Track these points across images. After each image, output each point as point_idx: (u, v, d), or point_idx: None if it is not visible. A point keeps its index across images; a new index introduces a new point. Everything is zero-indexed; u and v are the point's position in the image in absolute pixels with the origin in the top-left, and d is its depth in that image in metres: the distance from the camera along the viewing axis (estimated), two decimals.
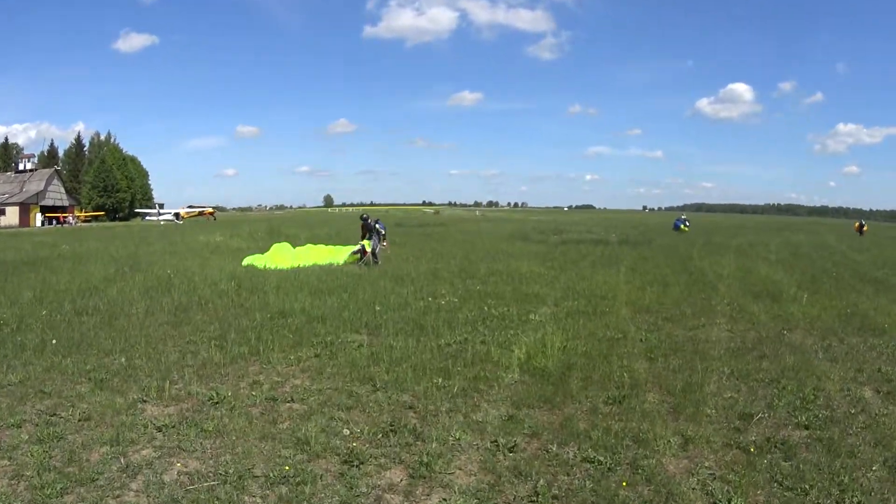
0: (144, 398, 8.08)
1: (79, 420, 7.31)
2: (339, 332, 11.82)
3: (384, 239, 24.01)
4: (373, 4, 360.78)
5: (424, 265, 23.55)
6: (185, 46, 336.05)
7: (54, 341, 10.94)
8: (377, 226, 23.60)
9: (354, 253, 23.89)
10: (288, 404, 7.94)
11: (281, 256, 23.82)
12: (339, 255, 24.30)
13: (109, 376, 8.99)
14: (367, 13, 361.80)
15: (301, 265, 22.71)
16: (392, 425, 7.15)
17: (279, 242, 27.34)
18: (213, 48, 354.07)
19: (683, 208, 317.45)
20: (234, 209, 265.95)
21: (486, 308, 14.46)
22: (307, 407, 7.82)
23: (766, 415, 7.68)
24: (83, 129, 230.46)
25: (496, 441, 6.74)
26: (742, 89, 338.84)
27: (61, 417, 7.42)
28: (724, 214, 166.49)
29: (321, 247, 26.75)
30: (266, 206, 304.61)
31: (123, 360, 9.87)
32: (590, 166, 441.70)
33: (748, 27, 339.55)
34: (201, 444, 6.69)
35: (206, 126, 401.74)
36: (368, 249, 23.31)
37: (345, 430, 6.94)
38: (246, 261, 23.86)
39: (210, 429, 7.01)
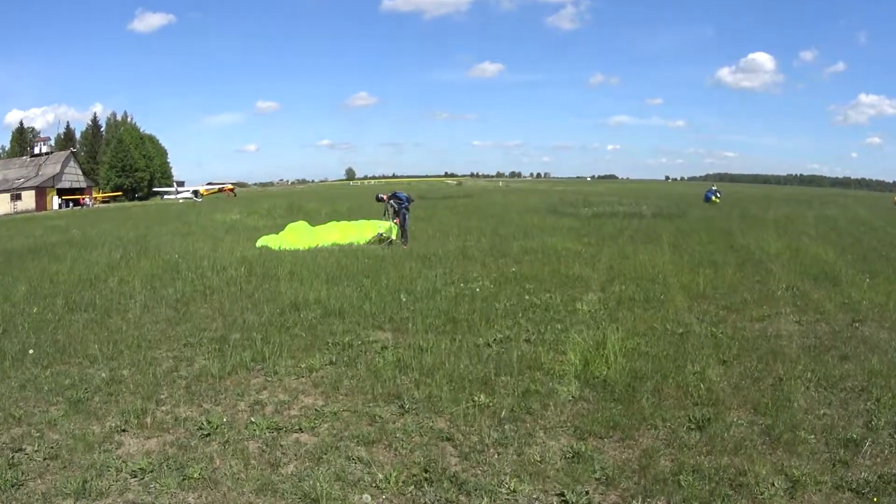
0: (124, 426, 6.77)
1: (44, 459, 6.06)
2: (359, 330, 10.42)
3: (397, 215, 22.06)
4: None
5: (452, 243, 22.11)
6: (202, 24, 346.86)
7: (31, 351, 9.59)
8: (397, 197, 22.13)
9: (379, 237, 22.32)
10: (295, 435, 6.54)
11: (297, 236, 22.51)
12: (360, 232, 22.87)
13: (88, 395, 7.71)
14: None
15: (319, 245, 21.42)
16: (427, 470, 5.69)
17: (295, 221, 25.94)
18: (230, 25, 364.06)
19: (706, 178, 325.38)
20: (255, 185, 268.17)
21: (525, 295, 13.00)
22: (318, 440, 6.40)
23: (870, 439, 6.25)
24: (101, 110, 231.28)
25: (563, 496, 5.27)
26: (763, 59, 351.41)
27: (26, 454, 6.19)
28: (747, 185, 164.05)
29: (342, 223, 25.30)
30: (288, 181, 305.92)
31: (107, 372, 8.56)
32: (612, 136, 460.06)
33: None
34: (183, 498, 5.32)
35: (226, 103, 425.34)
36: (394, 236, 21.77)
37: (365, 497, 5.36)
38: (260, 242, 22.60)
39: (195, 475, 5.63)
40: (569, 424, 6.69)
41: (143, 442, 6.44)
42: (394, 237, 21.60)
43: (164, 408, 7.31)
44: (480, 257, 18.31)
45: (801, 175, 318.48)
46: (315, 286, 13.73)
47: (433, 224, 29.35)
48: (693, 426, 6.60)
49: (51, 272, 17.49)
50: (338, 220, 26.86)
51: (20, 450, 6.30)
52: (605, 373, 8.02)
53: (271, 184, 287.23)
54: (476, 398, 7.26)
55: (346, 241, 22.03)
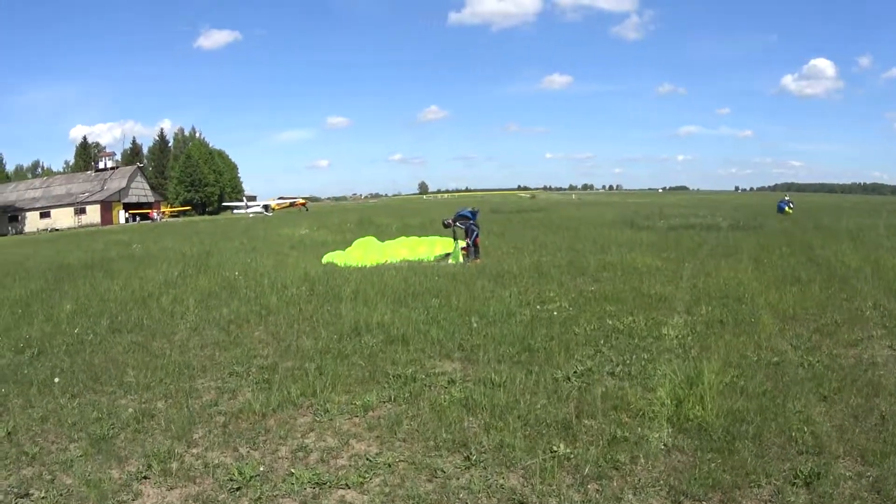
0: (146, 472, 6.09)
1: None
2: (424, 359, 9.55)
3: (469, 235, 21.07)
4: None
5: (527, 258, 21.08)
6: (269, 41, 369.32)
7: (57, 379, 9.03)
8: (462, 216, 21.23)
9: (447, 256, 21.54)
10: (340, 492, 5.67)
11: (365, 252, 21.90)
12: (430, 248, 22.12)
13: (115, 431, 7.11)
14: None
15: (387, 261, 20.78)
16: None
17: (363, 237, 25.31)
18: (298, 42, 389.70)
19: (774, 188, 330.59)
20: (328, 199, 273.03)
21: (607, 319, 11.93)
22: (367, 500, 5.54)
23: None
24: (168, 126, 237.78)
25: None
26: (824, 65, 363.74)
27: (31, 501, 5.63)
28: (813, 194, 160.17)
29: (411, 239, 24.56)
30: (361, 195, 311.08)
31: (139, 404, 8.00)
32: (681, 147, 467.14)
33: None
34: None
35: (297, 119, 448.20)
36: (460, 259, 20.87)
37: None
38: (326, 258, 22.11)
39: None
40: (662, 483, 5.68)
41: (164, 493, 5.74)
42: (460, 259, 20.71)
43: (194, 450, 6.60)
44: (557, 275, 17.30)
45: (863, 183, 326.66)
46: (379, 308, 12.98)
47: (507, 239, 28.39)
48: (799, 482, 5.59)
49: (102, 289, 17.41)
50: (407, 236, 26.19)
51: (26, 495, 5.77)
52: (700, 415, 6.96)
53: (344, 198, 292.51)
54: (555, 447, 6.27)
55: (416, 258, 21.34)
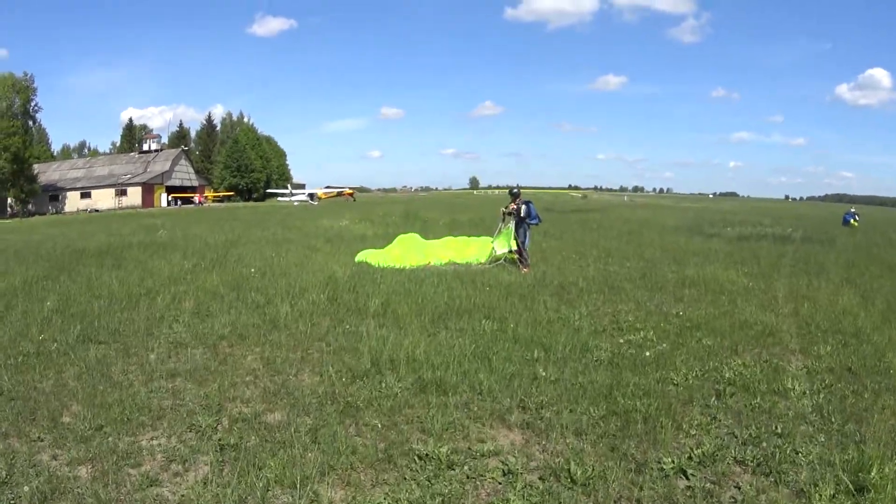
0: None
1: None
2: (468, 423, 6.82)
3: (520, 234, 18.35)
4: None
5: (592, 267, 18.54)
6: (324, 30, 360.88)
7: None
8: (523, 208, 18.17)
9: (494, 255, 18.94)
10: None
11: (405, 251, 19.36)
12: (481, 251, 19.45)
13: None
14: None
15: (430, 263, 18.31)
16: None
17: (405, 234, 22.58)
18: (353, 31, 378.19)
19: (824, 198, 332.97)
20: (378, 190, 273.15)
21: (709, 360, 9.28)
22: None
23: None
24: (220, 111, 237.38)
25: None
26: (881, 75, 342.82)
27: None
28: (866, 206, 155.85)
29: (460, 239, 21.90)
30: (411, 188, 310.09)
31: (54, 469, 5.73)
32: (733, 153, 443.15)
33: (883, 8, 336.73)
34: None
35: (350, 108, 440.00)
36: (502, 249, 18.56)
37: None
38: (360, 255, 19.53)
39: None
40: None
41: None
42: (507, 248, 18.51)
43: None
44: (631, 291, 14.74)
45: None
46: (412, 331, 10.35)
47: (566, 242, 25.64)
48: None
49: (98, 283, 15.41)
50: (455, 235, 23.52)
51: None
52: None
53: (394, 190, 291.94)
54: None
55: (464, 261, 18.79)
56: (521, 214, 17.89)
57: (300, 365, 8.79)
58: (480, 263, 18.44)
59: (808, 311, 12.97)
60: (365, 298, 12.80)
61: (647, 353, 9.51)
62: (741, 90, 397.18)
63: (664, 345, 9.97)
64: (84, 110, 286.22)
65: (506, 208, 18.66)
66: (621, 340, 10.28)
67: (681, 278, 16.57)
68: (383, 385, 7.82)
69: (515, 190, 18.80)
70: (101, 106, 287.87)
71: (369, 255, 19.20)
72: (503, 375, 8.18)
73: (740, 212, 75.00)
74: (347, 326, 10.79)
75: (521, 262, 17.77)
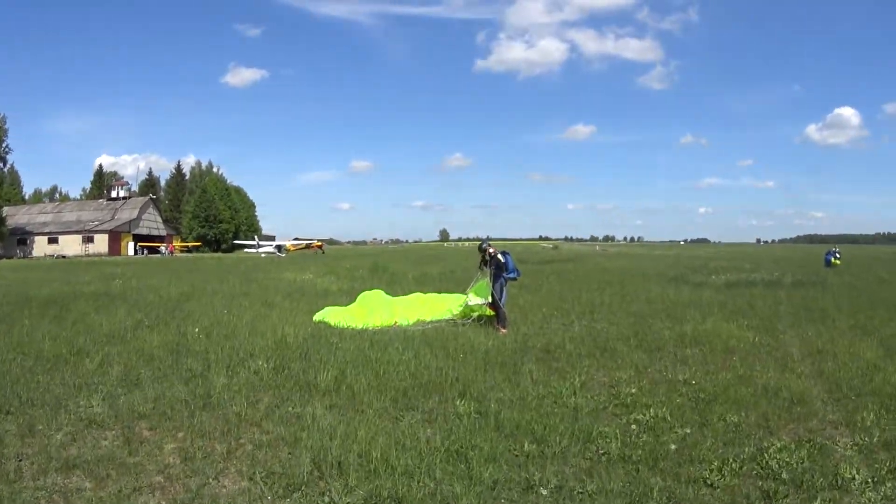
0: None
1: None
2: None
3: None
4: (483, 38, 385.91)
5: (577, 324, 16.85)
6: (296, 81, 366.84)
7: None
8: (500, 258, 16.32)
9: (471, 305, 16.98)
10: None
11: (369, 309, 17.37)
12: (453, 308, 17.61)
13: None
14: (478, 47, 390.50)
15: (397, 324, 16.42)
16: None
17: (369, 290, 20.37)
18: (324, 83, 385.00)
19: (796, 240, 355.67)
20: (348, 243, 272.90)
21: (744, 446, 7.49)
22: None
23: None
24: (192, 160, 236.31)
25: None
26: (849, 113, 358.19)
27: None
28: (841, 245, 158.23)
29: (429, 296, 19.97)
30: (381, 240, 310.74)
31: None
32: (702, 198, 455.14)
33: (850, 47, 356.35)
34: None
35: (320, 161, 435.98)
36: (477, 300, 16.63)
37: None
38: (319, 315, 17.54)
39: None
40: None
41: None
42: (483, 299, 16.54)
43: None
44: (626, 353, 12.99)
45: (889, 233, 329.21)
46: (369, 416, 8.41)
47: (545, 296, 23.75)
48: None
49: (31, 338, 14.00)
50: (423, 291, 21.64)
51: None
52: None
53: (364, 242, 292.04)
54: None
55: (434, 319, 16.93)
56: (499, 261, 16.09)
57: (225, 463, 6.82)
58: (453, 317, 16.74)
59: (831, 370, 11.47)
60: (317, 369, 10.82)
61: (654, 428, 7.85)
62: (710, 135, 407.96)
63: (686, 429, 8.09)
64: (58, 156, 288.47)
65: (482, 259, 16.88)
66: (629, 422, 8.40)
67: (678, 335, 14.89)
68: (326, 501, 5.90)
69: (485, 245, 16.94)
70: (76, 152, 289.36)
71: (329, 314, 17.24)
72: (486, 485, 6.21)
73: (717, 258, 74.56)
74: (291, 408, 8.83)
75: (498, 321, 15.90)
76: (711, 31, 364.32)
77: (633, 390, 9.97)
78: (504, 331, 15.41)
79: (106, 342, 13.57)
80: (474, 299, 16.63)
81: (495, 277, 16.12)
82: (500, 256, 16.15)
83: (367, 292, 19.40)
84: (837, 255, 51.48)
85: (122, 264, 59.72)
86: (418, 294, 20.13)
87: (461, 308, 17.01)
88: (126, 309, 19.29)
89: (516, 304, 19.23)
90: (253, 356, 11.92)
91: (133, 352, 12.54)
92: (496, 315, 16.07)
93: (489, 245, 16.64)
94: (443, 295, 19.77)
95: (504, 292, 16.25)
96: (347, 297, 20.79)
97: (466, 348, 12.81)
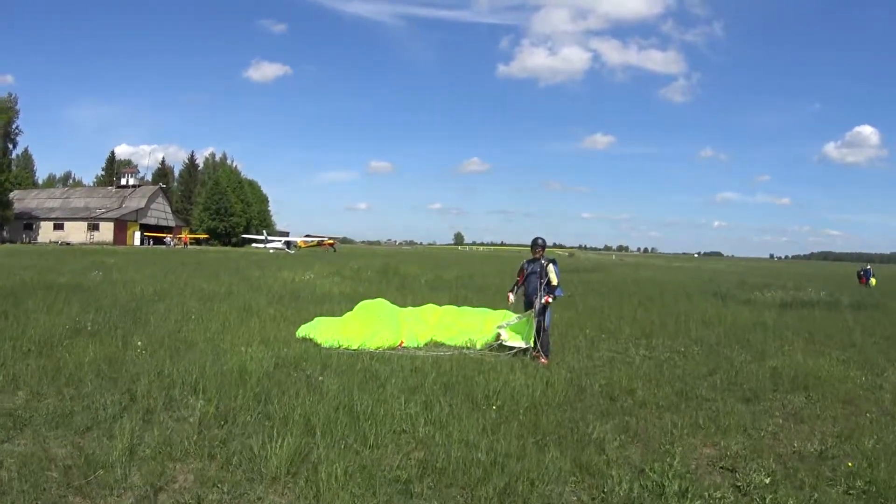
0: None
1: None
2: None
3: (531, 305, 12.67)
4: (506, 43, 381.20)
5: (635, 353, 13.37)
6: (318, 78, 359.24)
7: None
8: (552, 269, 12.55)
9: (498, 338, 13.14)
10: None
11: (367, 324, 13.65)
12: (478, 327, 14.01)
13: None
14: (501, 52, 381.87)
15: (402, 345, 12.87)
16: None
17: (371, 300, 16.04)
18: (347, 81, 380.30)
19: (810, 257, 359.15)
20: (362, 242, 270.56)
21: None
22: None
23: None
24: (210, 152, 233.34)
25: None
26: (868, 132, 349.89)
27: None
28: (853, 264, 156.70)
29: (446, 309, 15.93)
30: (396, 241, 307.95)
31: None
32: (718, 212, 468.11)
33: (873, 64, 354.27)
34: None
35: (340, 160, 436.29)
36: (516, 342, 12.69)
37: None
38: (305, 329, 13.70)
39: None
40: None
41: None
42: (525, 342, 12.53)
43: None
44: (716, 400, 9.57)
45: None
46: None
47: (583, 312, 19.93)
48: None
49: None
50: (438, 300, 17.91)
51: None
52: None
53: (378, 243, 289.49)
54: None
55: (450, 340, 13.38)
56: (552, 282, 12.37)
57: None
58: (476, 349, 12.90)
59: None
60: (272, 428, 7.06)
61: None
62: (729, 150, 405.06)
63: None
64: (77, 143, 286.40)
65: (530, 264, 12.93)
66: None
67: (769, 374, 11.47)
68: None
69: (541, 240, 13.01)
70: (95, 140, 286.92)
71: (318, 328, 13.47)
72: None
73: (744, 272, 70.44)
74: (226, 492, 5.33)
75: (539, 350, 12.10)
76: (735, 45, 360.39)
77: (763, 476, 6.40)
78: (544, 360, 11.77)
79: (27, 353, 10.56)
80: (510, 338, 12.85)
81: (536, 293, 12.41)
82: (551, 267, 12.47)
83: (367, 301, 15.52)
84: (872, 275, 46.92)
85: (120, 254, 56.99)
86: (432, 306, 16.11)
87: (485, 337, 13.44)
88: (80, 307, 16.11)
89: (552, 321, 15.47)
90: (194, 393, 8.42)
91: (50, 370, 9.38)
92: (539, 343, 12.21)
93: (543, 245, 12.99)
94: (462, 309, 15.95)
95: (549, 315, 12.55)
96: (349, 304, 17.13)
97: (502, 395, 8.99)
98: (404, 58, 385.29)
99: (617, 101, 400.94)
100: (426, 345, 13.10)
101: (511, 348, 12.48)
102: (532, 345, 12.18)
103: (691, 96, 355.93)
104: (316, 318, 14.64)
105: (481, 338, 13.39)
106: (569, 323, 16.81)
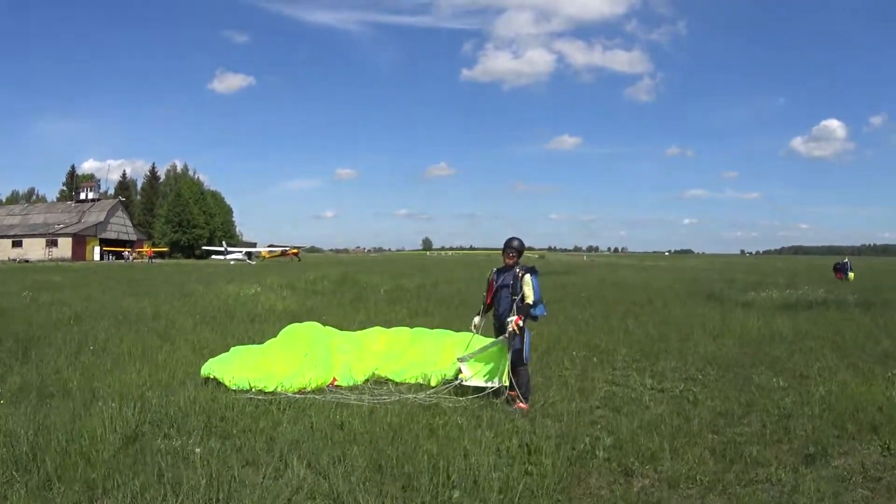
0: None
1: None
2: None
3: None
4: (469, 48, 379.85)
5: (636, 380, 10.53)
6: (282, 88, 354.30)
7: None
8: (529, 280, 9.08)
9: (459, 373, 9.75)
10: None
11: (291, 356, 10.54)
12: (434, 353, 10.93)
13: None
14: (464, 56, 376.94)
15: (334, 384, 9.77)
16: None
17: (299, 323, 12.64)
18: (311, 90, 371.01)
19: (780, 251, 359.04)
20: (330, 250, 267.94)
21: None
22: None
23: None
24: (178, 165, 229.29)
25: None
26: (834, 125, 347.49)
27: None
28: (822, 257, 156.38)
29: (398, 332, 12.54)
30: (364, 249, 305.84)
31: None
32: (687, 210, 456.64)
33: (837, 59, 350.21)
34: None
35: (305, 168, 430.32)
36: (479, 381, 9.43)
37: None
38: (211, 365, 10.05)
39: None
40: None
41: None
42: (494, 380, 9.25)
43: None
44: (766, 462, 6.67)
45: (874, 245, 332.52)
46: None
47: (563, 324, 16.84)
48: None
49: None
50: (395, 317, 14.91)
51: None
52: None
53: (346, 250, 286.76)
54: None
55: (400, 379, 10.23)
56: (526, 299, 8.97)
57: None
58: (430, 388, 9.63)
59: None
60: None
61: None
62: (695, 147, 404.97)
63: None
64: (42, 160, 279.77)
65: (501, 274, 9.41)
66: None
67: (819, 408, 8.53)
68: None
69: (516, 242, 9.41)
70: (61, 156, 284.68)
71: (228, 364, 10.02)
72: None
73: (727, 269, 67.14)
74: None
75: (516, 391, 8.78)
76: (699, 43, 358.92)
77: None
78: (523, 405, 8.61)
79: None
80: (473, 374, 9.59)
81: (508, 314, 8.98)
82: (528, 278, 9.08)
83: (294, 326, 12.15)
84: (850, 269, 44.19)
85: (72, 271, 53.36)
86: (378, 329, 12.72)
87: (443, 370, 10.18)
88: None
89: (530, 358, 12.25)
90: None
91: None
92: (514, 380, 8.91)
93: (519, 249, 9.43)
94: (417, 332, 12.50)
95: (528, 343, 9.15)
96: (300, 317, 14.28)
97: (461, 477, 5.91)
98: (368, 65, 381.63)
99: (583, 102, 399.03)
100: (366, 381, 10.04)
101: (478, 389, 9.28)
102: (504, 384, 9.00)
103: (657, 95, 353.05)
104: (233, 349, 11.17)
105: (437, 371, 10.14)
106: (549, 339, 13.87)
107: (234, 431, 7.22)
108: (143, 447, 6.63)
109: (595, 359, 12.21)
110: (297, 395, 8.94)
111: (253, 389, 9.09)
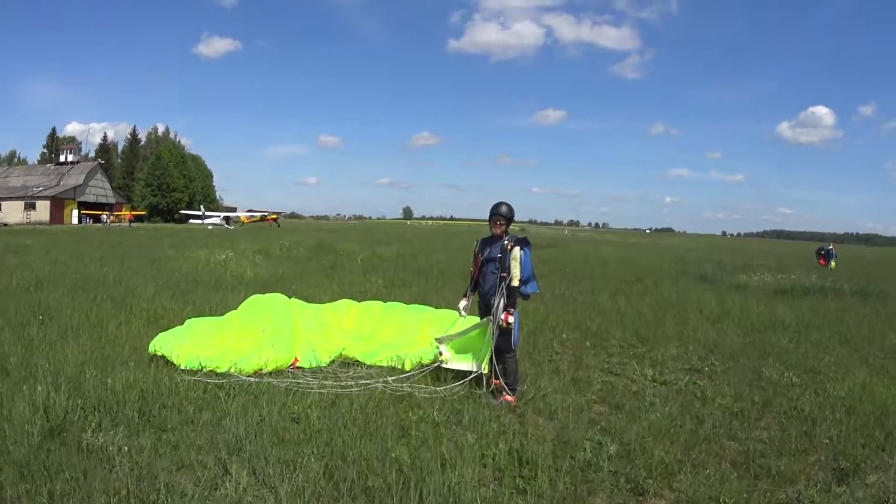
0: None
1: None
2: None
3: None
4: (457, 18, 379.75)
5: (636, 371, 9.49)
6: (268, 53, 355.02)
7: None
8: (518, 253, 7.85)
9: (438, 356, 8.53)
10: None
11: (251, 331, 9.48)
12: (410, 330, 9.95)
13: None
14: (452, 26, 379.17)
15: (296, 364, 8.79)
16: None
17: (263, 294, 11.47)
18: (297, 56, 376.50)
19: (762, 234, 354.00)
20: (311, 217, 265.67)
21: None
22: None
23: None
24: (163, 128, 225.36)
25: None
26: (822, 112, 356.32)
27: None
28: (805, 243, 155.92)
29: (369, 306, 11.47)
30: (345, 216, 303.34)
31: None
32: (670, 188, 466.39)
33: (830, 46, 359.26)
34: None
35: (289, 134, 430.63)
36: (464, 364, 8.28)
37: None
38: (162, 341, 8.91)
39: None
40: None
41: None
42: (475, 363, 8.13)
43: None
44: (793, 475, 5.76)
45: (857, 233, 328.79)
46: None
47: (551, 302, 15.69)
48: None
49: None
50: (371, 288, 13.86)
51: None
52: None
53: (326, 217, 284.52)
54: None
55: (371, 361, 9.15)
56: (514, 280, 7.76)
57: None
58: (404, 372, 8.50)
59: None
60: None
61: None
62: (681, 126, 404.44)
63: None
64: (25, 122, 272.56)
65: (487, 246, 8.13)
66: None
67: (842, 412, 7.63)
68: None
69: (505, 208, 8.13)
70: (44, 119, 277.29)
71: (180, 339, 8.98)
72: None
73: (711, 250, 65.38)
74: None
75: (501, 376, 7.69)
76: (690, 22, 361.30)
77: None
78: (510, 398, 7.59)
79: None
80: (452, 356, 8.46)
81: (495, 292, 7.83)
82: (517, 251, 7.86)
83: (256, 297, 11.02)
84: (834, 255, 42.25)
85: (47, 234, 51.03)
86: (347, 302, 11.57)
87: (418, 351, 9.03)
88: None
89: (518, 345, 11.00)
90: None
91: None
92: (499, 369, 7.75)
93: (507, 216, 8.14)
94: (390, 306, 11.40)
95: (516, 330, 7.86)
96: (262, 290, 13.03)
97: (437, 496, 4.89)
98: (355, 32, 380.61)
99: (569, 77, 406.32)
100: (332, 362, 9.01)
101: (458, 373, 8.16)
102: (486, 371, 7.88)
103: (644, 73, 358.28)
104: (186, 322, 10.13)
105: (413, 353, 8.99)
106: (537, 319, 12.80)
107: (173, 424, 6.19)
108: (67, 441, 5.63)
109: (588, 342, 11.24)
110: (252, 379, 7.89)
111: (204, 370, 8.05)
